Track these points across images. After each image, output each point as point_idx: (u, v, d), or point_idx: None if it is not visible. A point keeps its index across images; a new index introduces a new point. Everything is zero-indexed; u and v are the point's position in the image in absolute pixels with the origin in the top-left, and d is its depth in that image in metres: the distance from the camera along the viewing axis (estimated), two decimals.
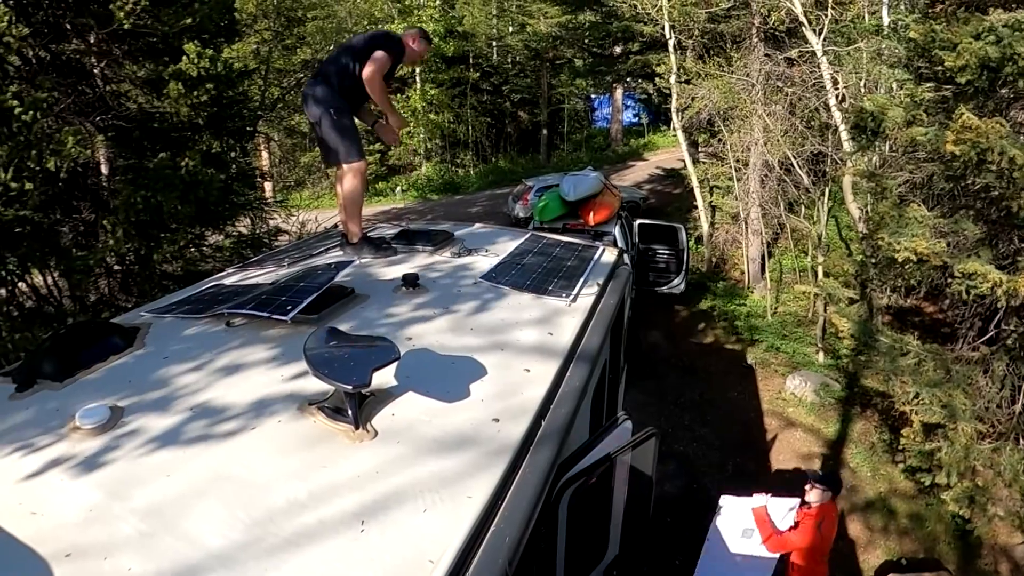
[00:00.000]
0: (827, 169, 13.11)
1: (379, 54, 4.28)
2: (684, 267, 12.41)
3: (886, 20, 12.16)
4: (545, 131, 30.71)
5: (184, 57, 6.46)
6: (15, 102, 5.16)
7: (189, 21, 6.63)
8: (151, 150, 6.90)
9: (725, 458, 8.80)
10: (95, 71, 7.05)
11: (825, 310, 10.98)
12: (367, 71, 4.22)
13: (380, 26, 25.48)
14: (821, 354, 11.13)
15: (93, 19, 6.38)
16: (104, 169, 7.16)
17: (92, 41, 6.66)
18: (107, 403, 2.38)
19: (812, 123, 13.42)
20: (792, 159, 12.93)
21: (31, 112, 5.22)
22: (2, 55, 5.64)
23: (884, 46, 11.15)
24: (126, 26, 6.15)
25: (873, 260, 8.22)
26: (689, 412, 9.80)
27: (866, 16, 12.85)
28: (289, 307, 3.00)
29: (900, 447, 7.80)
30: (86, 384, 2.63)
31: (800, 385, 10.21)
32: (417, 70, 25.93)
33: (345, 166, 4.43)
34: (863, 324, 8.41)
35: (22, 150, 5.22)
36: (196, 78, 6.51)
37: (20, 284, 6.39)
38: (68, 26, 6.49)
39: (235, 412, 2.38)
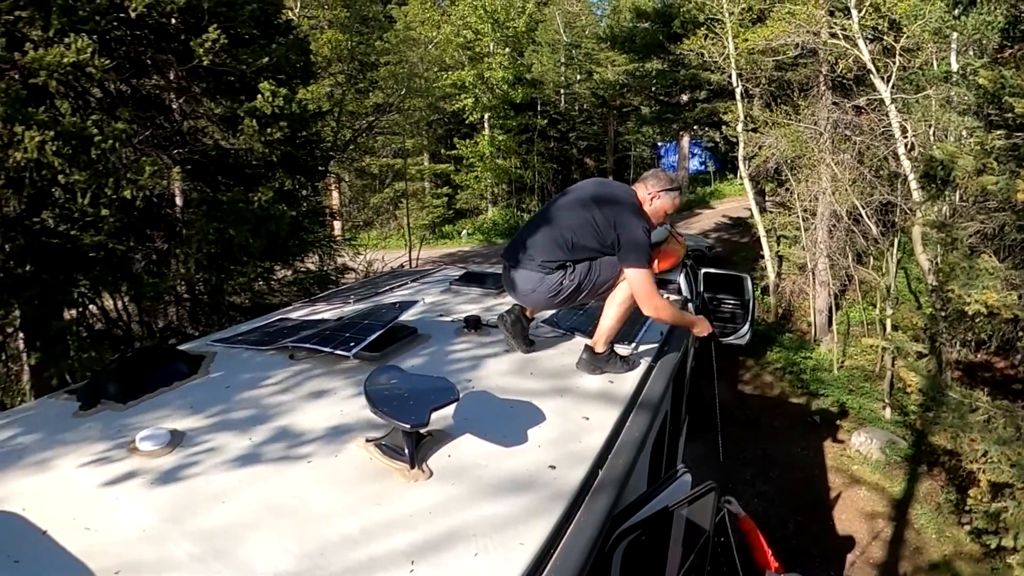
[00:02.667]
0: (896, 219, 12.85)
1: (635, 271, 3.10)
2: (750, 318, 12.19)
3: (954, 66, 11.92)
4: (611, 177, 30.81)
5: (259, 96, 6.66)
6: (95, 131, 5.35)
7: (266, 61, 6.85)
8: (225, 184, 7.14)
9: (786, 516, 8.48)
10: (174, 106, 7.35)
11: (893, 364, 10.67)
12: (645, 303, 3.14)
13: (450, 74, 25.90)
14: (888, 410, 10.75)
15: (173, 56, 6.66)
16: (179, 201, 7.42)
17: (172, 77, 6.95)
18: (168, 427, 2.43)
19: (881, 172, 13.19)
20: (860, 209, 12.68)
21: (110, 142, 5.40)
22: (85, 86, 5.93)
23: (953, 93, 10.94)
24: (205, 63, 6.36)
25: (943, 313, 7.98)
26: (751, 467, 9.53)
27: (934, 63, 12.62)
28: (352, 344, 3.04)
29: (967, 507, 7.46)
30: (149, 407, 2.70)
31: (866, 442, 9.87)
32: (486, 116, 26.39)
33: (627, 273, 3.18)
34: (932, 379, 8.11)
35: (100, 178, 5.41)
36: (270, 116, 6.70)
37: (91, 306, 6.65)
38: (149, 61, 6.77)
39: (293, 444, 2.40)
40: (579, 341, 3.58)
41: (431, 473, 2.23)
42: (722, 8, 15.01)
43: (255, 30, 7.08)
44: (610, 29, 26.08)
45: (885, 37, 12.34)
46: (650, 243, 3.16)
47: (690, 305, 5.12)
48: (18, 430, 2.58)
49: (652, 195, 3.27)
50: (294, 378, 2.96)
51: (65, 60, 5.24)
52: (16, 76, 5.46)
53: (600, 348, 3.24)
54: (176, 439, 2.39)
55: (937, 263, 10.23)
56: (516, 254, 3.23)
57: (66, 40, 5.39)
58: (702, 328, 3.54)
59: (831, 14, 13.07)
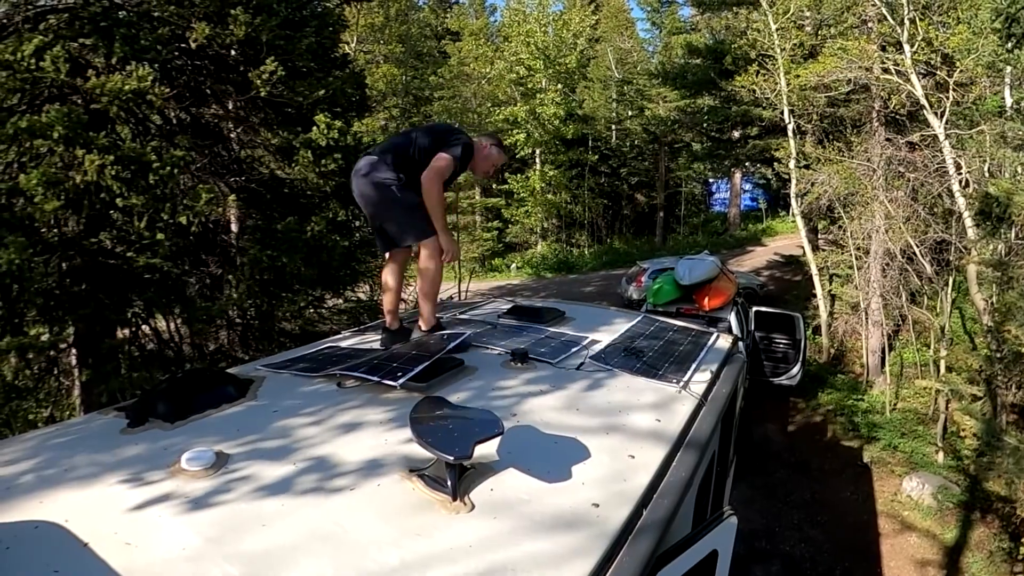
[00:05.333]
0: (951, 258, 12.59)
1: (444, 156, 3.74)
2: (801, 358, 11.96)
3: (1008, 101, 11.64)
4: (661, 213, 30.86)
5: (315, 127, 6.79)
6: (153, 157, 5.51)
7: (322, 93, 6.98)
8: (279, 213, 7.24)
9: (834, 562, 8.28)
10: (231, 135, 7.55)
11: (947, 407, 10.38)
12: (428, 174, 3.69)
13: (502, 110, 26.29)
14: (941, 454, 10.40)
15: (232, 86, 6.86)
16: (234, 227, 7.59)
17: (230, 107, 7.14)
18: (214, 448, 2.44)
19: (935, 209, 12.93)
20: (914, 247, 12.42)
21: (168, 168, 5.55)
22: (145, 113, 6.12)
23: (1008, 128, 10.68)
24: (263, 94, 6.50)
25: (998, 354, 7.75)
26: (799, 511, 9.30)
27: (988, 97, 12.36)
28: (400, 374, 3.05)
29: (1020, 556, 7.20)
30: (196, 428, 2.71)
31: (918, 487, 9.58)
32: (538, 151, 26.60)
33: (422, 244, 3.83)
34: (987, 423, 7.89)
35: (157, 202, 5.57)
36: (325, 148, 6.83)
37: (144, 327, 6.79)
38: (208, 91, 6.96)
39: (337, 471, 2.40)
40: (626, 379, 3.55)
41: (473, 506, 2.21)
42: (774, 44, 15.00)
43: (312, 63, 7.24)
44: (662, 65, 26.27)
45: (938, 72, 12.19)
46: (462, 155, 3.84)
47: (740, 344, 5.02)
48: (66, 443, 2.62)
49: (485, 146, 4.08)
50: (340, 406, 2.97)
51: (126, 87, 5.43)
52: (79, 101, 5.66)
53: (425, 327, 3.97)
54: (221, 461, 2.40)
55: (993, 303, 9.98)
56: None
57: (128, 68, 5.61)
58: (447, 246, 3.89)
59: (883, 49, 12.97)
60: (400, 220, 3.85)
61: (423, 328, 3.97)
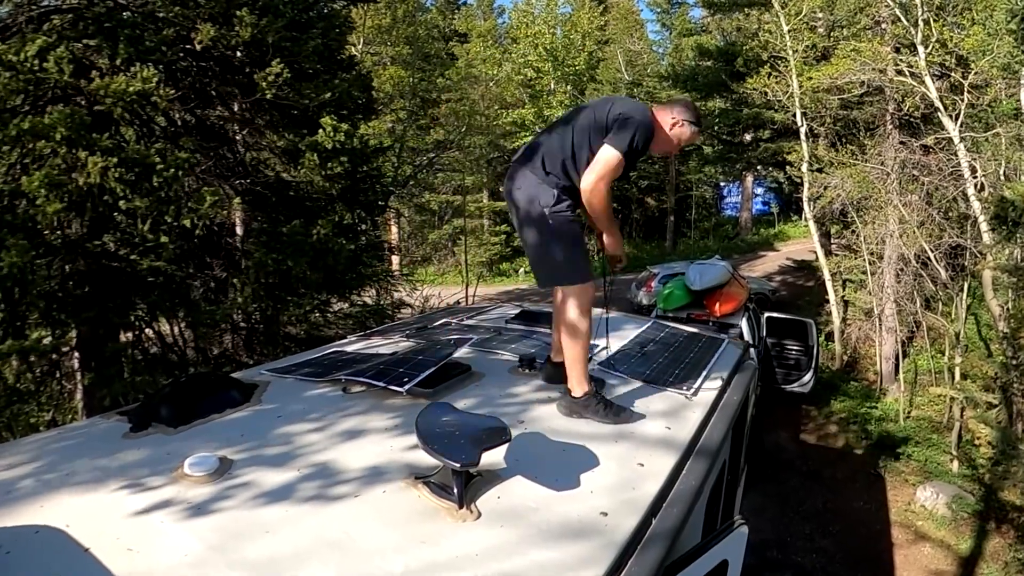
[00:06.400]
0: (966, 263, 12.49)
1: (611, 155, 2.91)
2: (813, 365, 11.87)
3: None
4: (672, 218, 30.79)
5: (321, 130, 6.77)
6: (157, 159, 5.47)
7: (328, 96, 6.96)
8: (285, 216, 7.22)
9: (847, 573, 8.24)
10: (237, 137, 7.55)
11: (962, 415, 10.31)
12: (588, 180, 2.93)
13: (510, 112, 26.24)
14: (956, 463, 10.33)
15: (238, 88, 6.82)
16: (239, 230, 7.59)
17: (236, 109, 7.13)
18: (217, 454, 2.42)
19: (950, 214, 12.88)
20: (929, 252, 12.35)
21: (172, 170, 5.51)
22: (150, 114, 6.12)
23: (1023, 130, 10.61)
24: (268, 97, 6.46)
25: (1014, 361, 7.69)
26: (811, 521, 9.26)
27: (1003, 100, 12.27)
28: (406, 379, 3.02)
29: None
30: (199, 433, 2.70)
31: (931, 496, 9.52)
32: None
33: (563, 291, 3.09)
34: (1002, 431, 7.84)
35: (161, 205, 5.52)
36: (331, 151, 6.80)
37: (147, 330, 6.78)
38: (213, 93, 6.95)
39: (342, 477, 2.38)
40: (636, 385, 3.52)
41: (479, 514, 2.19)
42: (786, 46, 14.94)
43: (318, 65, 7.22)
44: (672, 67, 26.21)
45: (953, 74, 12.12)
46: (635, 143, 2.96)
47: (752, 350, 4.97)
48: (68, 447, 2.61)
49: (676, 121, 3.15)
50: (345, 411, 2.95)
51: (131, 89, 5.40)
52: (82, 102, 5.65)
53: (576, 392, 3.01)
54: (224, 466, 2.38)
55: (1009, 309, 9.90)
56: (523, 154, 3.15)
57: (132, 69, 5.58)
58: (613, 246, 3.30)
59: (897, 51, 12.91)
60: (541, 255, 3.12)
61: (573, 394, 3.02)
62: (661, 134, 3.14)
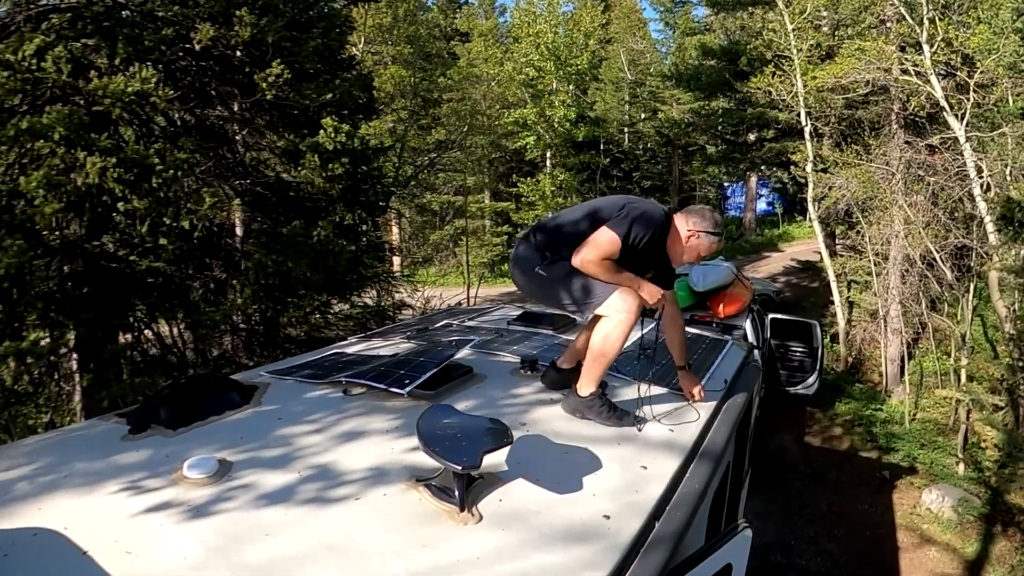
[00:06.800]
0: (972, 264, 12.43)
1: (604, 233, 2.90)
2: (818, 366, 11.82)
3: None
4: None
5: (321, 130, 6.75)
6: (156, 159, 5.46)
7: (329, 96, 6.96)
8: (285, 217, 7.21)
9: None
10: (237, 138, 7.54)
11: (968, 417, 10.25)
12: (577, 255, 2.90)
13: (512, 112, 26.22)
14: (962, 466, 10.26)
15: (237, 88, 6.80)
16: (239, 231, 7.58)
17: (235, 109, 7.11)
18: (216, 456, 2.42)
19: (956, 214, 12.84)
20: (934, 253, 12.30)
21: (171, 171, 5.49)
22: (149, 115, 6.09)
23: None
24: (268, 97, 6.44)
25: (1021, 363, 7.63)
26: (815, 524, 9.21)
27: (1010, 99, 12.21)
28: (407, 381, 3.02)
29: None
30: (198, 435, 2.70)
31: (937, 499, 9.46)
32: (548, 154, 26.54)
33: (599, 312, 3.01)
34: (1009, 433, 7.79)
35: (160, 206, 5.50)
36: (332, 151, 6.79)
37: (146, 331, 6.77)
38: (213, 93, 6.93)
39: (342, 480, 2.37)
40: (639, 387, 3.46)
41: (481, 517, 2.18)
42: (790, 45, 14.91)
43: (319, 65, 7.20)
44: (675, 67, 26.16)
45: (958, 73, 12.07)
46: (635, 230, 2.92)
47: (755, 352, 4.95)
48: (66, 449, 2.61)
49: (692, 233, 3.10)
50: (346, 413, 2.95)
51: (129, 89, 5.38)
52: (81, 102, 5.62)
53: (584, 391, 3.01)
54: (224, 468, 2.38)
55: (1015, 310, 9.86)
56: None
57: (131, 69, 5.57)
58: (651, 294, 3.08)
59: (902, 50, 12.88)
60: (562, 300, 3.07)
61: (579, 392, 3.03)
62: (676, 245, 3.14)
